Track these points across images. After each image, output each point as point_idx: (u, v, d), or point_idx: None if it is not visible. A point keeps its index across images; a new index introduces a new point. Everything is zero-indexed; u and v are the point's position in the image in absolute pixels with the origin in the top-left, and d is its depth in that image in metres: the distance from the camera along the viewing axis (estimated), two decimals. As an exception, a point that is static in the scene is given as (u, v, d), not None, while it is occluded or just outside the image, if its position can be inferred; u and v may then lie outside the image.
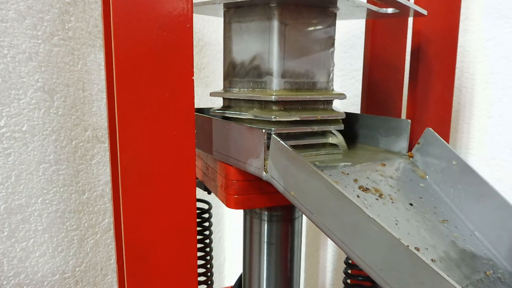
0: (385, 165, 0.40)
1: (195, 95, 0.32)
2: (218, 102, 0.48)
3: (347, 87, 0.77)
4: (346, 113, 0.44)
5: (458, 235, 0.36)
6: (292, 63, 0.40)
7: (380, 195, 0.36)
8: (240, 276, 0.54)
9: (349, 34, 0.76)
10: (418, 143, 0.42)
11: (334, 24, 0.42)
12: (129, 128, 0.30)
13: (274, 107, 0.40)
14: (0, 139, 0.58)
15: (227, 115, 0.43)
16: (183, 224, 0.33)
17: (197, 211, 0.46)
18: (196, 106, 0.37)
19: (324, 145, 0.43)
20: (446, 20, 0.49)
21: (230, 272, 1.07)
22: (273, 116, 0.39)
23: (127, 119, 0.30)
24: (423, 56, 0.49)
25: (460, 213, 0.38)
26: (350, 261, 0.51)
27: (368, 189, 0.36)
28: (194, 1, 0.31)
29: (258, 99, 0.40)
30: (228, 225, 1.05)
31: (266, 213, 0.45)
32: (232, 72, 0.43)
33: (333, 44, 0.43)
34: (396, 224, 0.33)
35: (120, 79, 0.29)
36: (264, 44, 0.40)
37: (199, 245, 0.53)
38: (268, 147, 0.34)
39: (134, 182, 0.31)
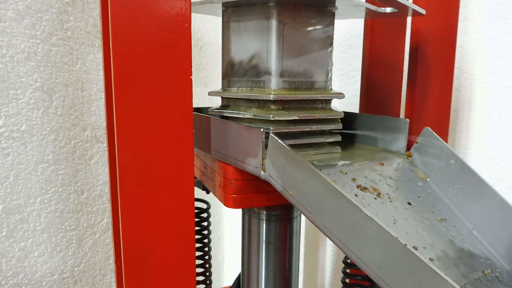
0: (383, 164, 0.40)
1: (193, 95, 0.32)
2: (216, 102, 0.48)
3: (345, 87, 0.77)
4: (344, 112, 0.44)
5: (456, 234, 0.36)
6: (290, 62, 0.40)
7: (378, 194, 0.36)
8: (239, 276, 0.54)
9: (348, 33, 0.76)
10: (417, 143, 0.42)
11: (333, 24, 0.42)
12: (127, 127, 0.30)
13: (272, 106, 0.40)
14: (-2, 139, 0.58)
15: (225, 115, 0.43)
16: (181, 223, 0.33)
17: (196, 211, 0.46)
18: (195, 106, 0.37)
19: (322, 144, 0.43)
20: (445, 20, 0.49)
21: (229, 272, 1.07)
22: (271, 115, 0.39)
23: (125, 118, 0.30)
24: (421, 55, 0.49)
25: (459, 212, 0.38)
26: (348, 261, 0.51)
27: (366, 188, 0.36)
28: (192, 0, 0.31)
29: (256, 98, 0.40)
30: (227, 225, 1.05)
31: (264, 212, 0.46)
32: (231, 71, 0.43)
33: (331, 44, 0.43)
34: (394, 223, 0.33)
35: (118, 79, 0.29)
36: (263, 43, 0.40)
37: (197, 245, 0.53)
38: (266, 146, 0.34)
39: (132, 181, 0.31)
